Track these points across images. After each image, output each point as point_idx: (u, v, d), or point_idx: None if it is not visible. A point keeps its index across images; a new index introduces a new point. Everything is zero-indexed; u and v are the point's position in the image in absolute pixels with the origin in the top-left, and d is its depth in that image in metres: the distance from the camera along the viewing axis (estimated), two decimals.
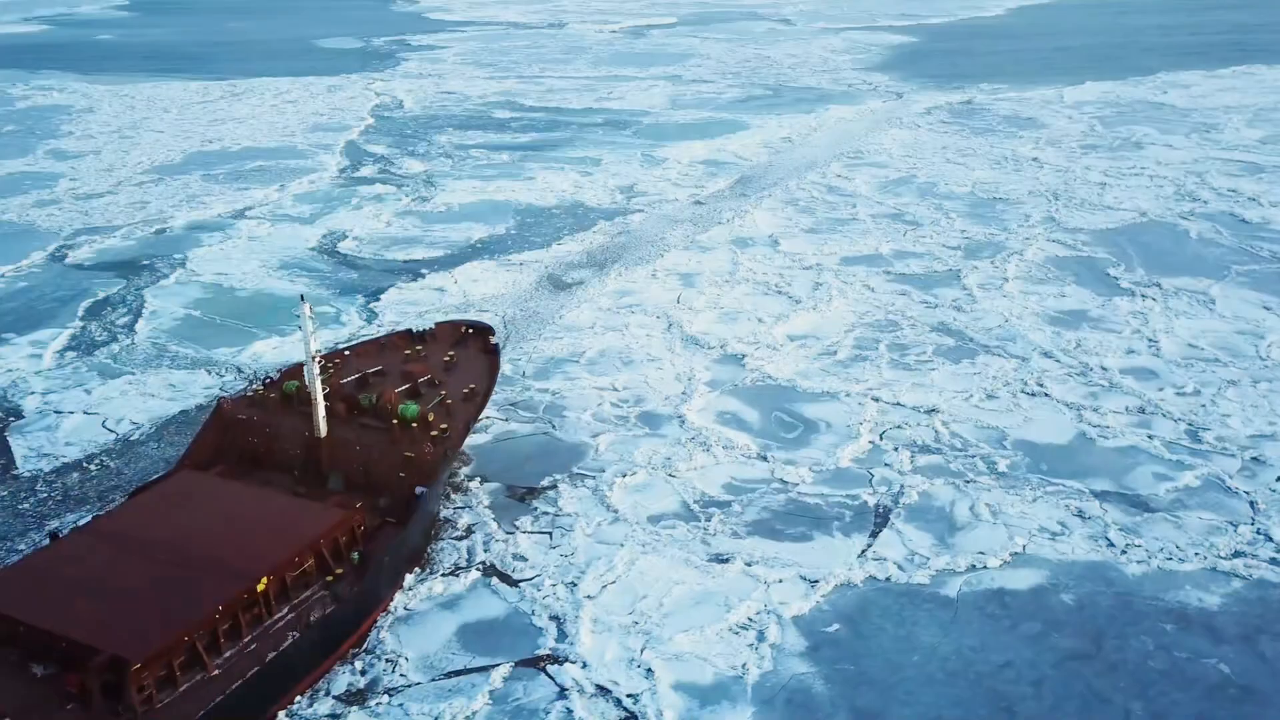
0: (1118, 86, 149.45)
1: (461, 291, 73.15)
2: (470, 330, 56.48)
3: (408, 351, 53.35)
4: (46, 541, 40.39)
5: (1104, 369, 58.83)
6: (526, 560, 41.96)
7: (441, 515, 45.64)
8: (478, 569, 41.63)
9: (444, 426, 45.44)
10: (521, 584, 40.50)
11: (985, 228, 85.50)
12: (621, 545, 42.89)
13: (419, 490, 41.91)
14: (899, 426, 52.94)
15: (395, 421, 44.94)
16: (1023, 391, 56.47)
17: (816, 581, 40.57)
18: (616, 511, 45.28)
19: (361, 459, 43.92)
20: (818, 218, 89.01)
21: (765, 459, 49.86)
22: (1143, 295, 70.02)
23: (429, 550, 43.50)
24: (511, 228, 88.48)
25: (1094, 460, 49.42)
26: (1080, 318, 66.44)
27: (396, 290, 73.96)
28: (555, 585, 40.16)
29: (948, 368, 59.56)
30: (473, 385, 49.84)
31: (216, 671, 33.19)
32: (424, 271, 78.05)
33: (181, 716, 31.54)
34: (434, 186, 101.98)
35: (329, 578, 37.53)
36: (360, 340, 59.89)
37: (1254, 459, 49.07)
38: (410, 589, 40.54)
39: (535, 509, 45.63)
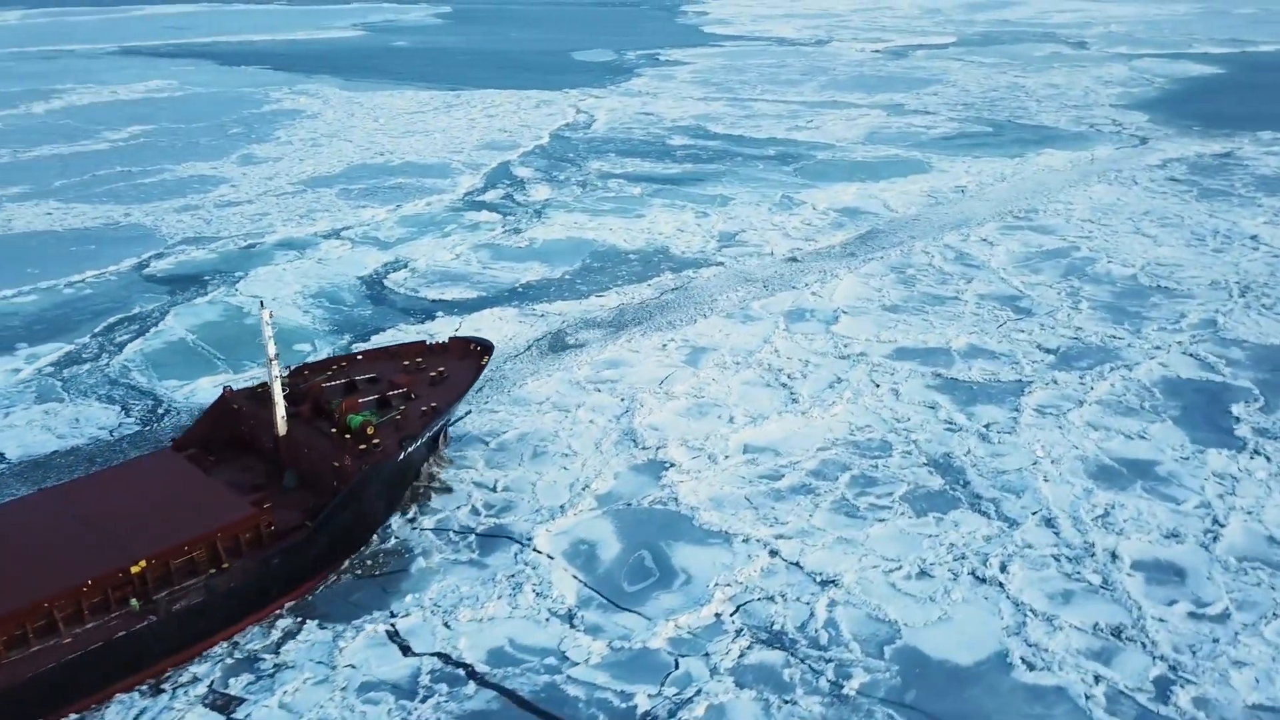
0: None
1: None
2: (477, 348, 56.31)
3: (406, 362, 54.61)
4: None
5: (1113, 557, 43.08)
6: None
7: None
8: None
9: (375, 441, 45.52)
10: None
11: (1112, 326, 67.89)
12: (300, 717, 35.37)
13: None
14: (770, 598, 41.15)
15: (335, 430, 46.25)
16: (971, 573, 42.35)
17: None
18: (333, 669, 37.54)
19: (309, 460, 45.59)
20: (913, 292, 74.94)
21: (571, 621, 40.10)
22: (1255, 451, 51.66)
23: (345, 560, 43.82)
24: (570, 272, 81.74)
25: (987, 702, 35.45)
26: (1141, 473, 49.83)
27: (394, 332, 69.74)
28: None
29: (901, 521, 46.19)
30: (434, 404, 49.69)
31: (69, 640, 34.98)
32: (439, 314, 73.33)
33: (14, 678, 33.50)
34: (537, 218, 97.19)
35: (212, 571, 38.67)
36: (378, 346, 61.41)
37: None
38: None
39: (263, 662, 38.29)
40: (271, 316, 46.26)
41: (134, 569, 36.88)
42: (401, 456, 46.40)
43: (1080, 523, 45.56)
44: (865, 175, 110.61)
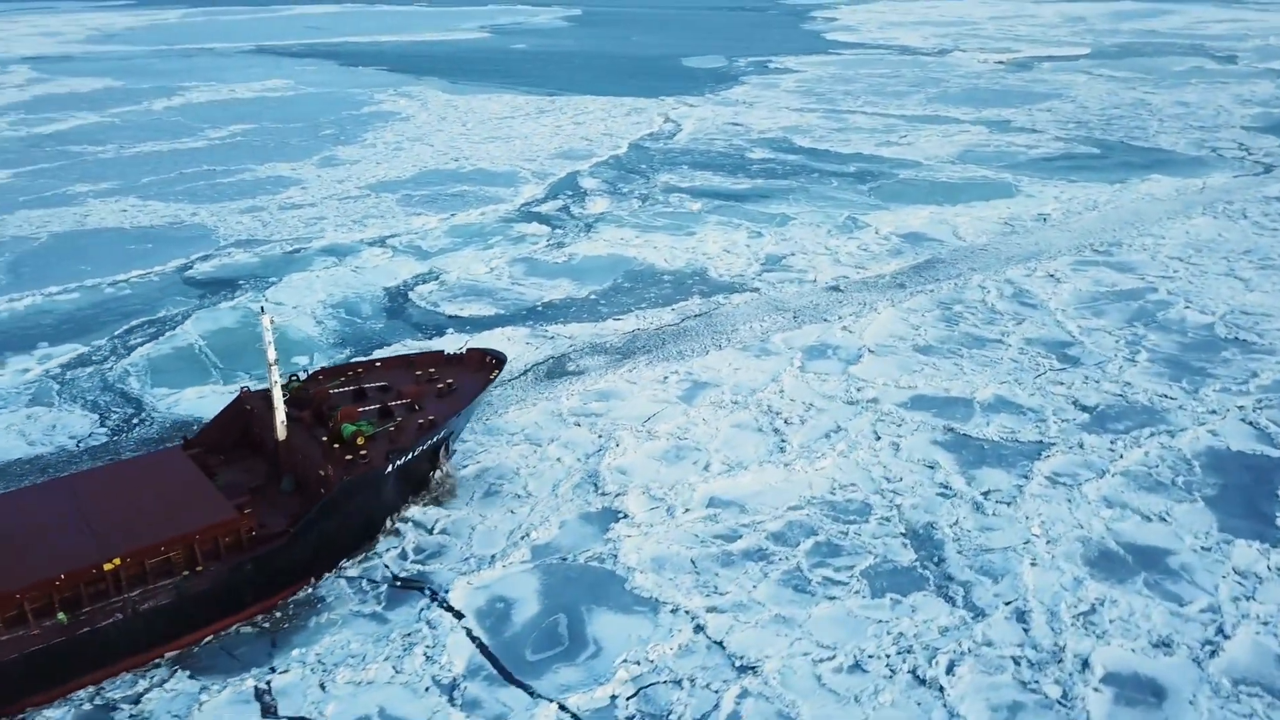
0: None
1: None
2: (491, 360, 55.28)
3: (419, 372, 54.14)
4: None
5: (1083, 665, 37.28)
6: None
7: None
8: None
9: (363, 453, 45.21)
10: None
11: (1167, 383, 60.52)
12: None
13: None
14: (677, 682, 37.08)
15: (326, 438, 46.21)
16: (912, 672, 37.26)
17: None
18: None
19: (302, 467, 45.57)
20: (953, 332, 68.88)
21: (451, 693, 36.70)
22: None
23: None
24: (597, 292, 78.59)
25: None
26: (1148, 563, 43.43)
27: (399, 347, 67.98)
28: None
29: (852, 601, 41.31)
30: (432, 418, 48.92)
31: (36, 632, 35.59)
32: (450, 330, 71.41)
33: None
34: (585, 232, 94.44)
35: (186, 573, 38.69)
36: (396, 354, 60.75)
37: None
38: None
39: (119, 711, 36.13)
40: (273, 322, 46.20)
41: (108, 566, 37.44)
42: (389, 469, 45.36)
43: (1057, 619, 39.79)
44: (943, 197, 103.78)
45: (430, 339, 69.99)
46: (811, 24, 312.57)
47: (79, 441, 55.64)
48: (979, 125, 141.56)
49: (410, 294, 79.15)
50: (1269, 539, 44.99)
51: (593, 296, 77.93)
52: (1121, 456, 52.16)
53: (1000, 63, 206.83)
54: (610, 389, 61.51)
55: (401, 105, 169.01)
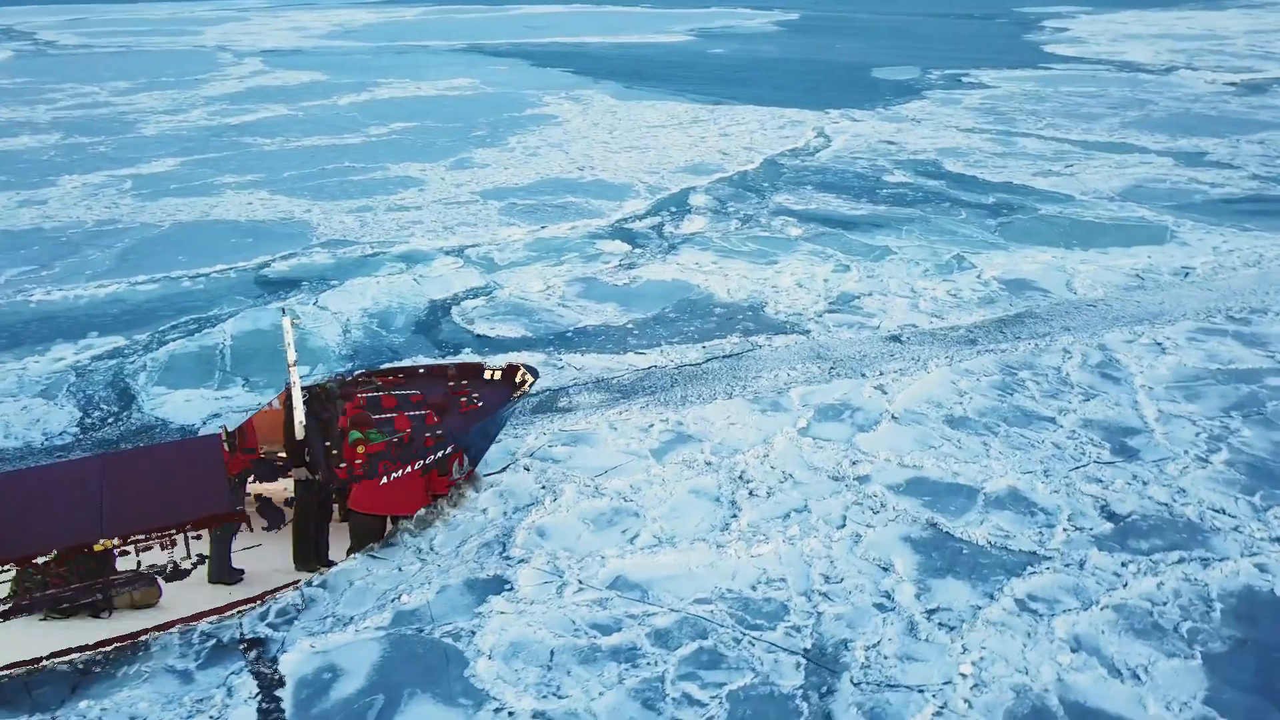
0: None
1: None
2: (524, 377, 52.97)
3: (451, 383, 53.01)
4: None
5: None
6: None
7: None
8: None
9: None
10: None
11: (1233, 496, 49.34)
12: None
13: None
14: None
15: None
16: None
17: None
18: None
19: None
20: (1002, 404, 59.56)
21: None
22: None
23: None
24: (636, 321, 73.73)
25: None
26: None
27: (408, 364, 66.11)
28: None
29: None
30: (440, 433, 47.60)
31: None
32: (468, 350, 68.78)
33: None
34: (663, 254, 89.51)
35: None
36: (443, 361, 60.10)
37: None
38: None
39: None
40: (294, 323, 45.72)
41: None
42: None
43: None
44: (1078, 240, 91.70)
45: (441, 359, 67.70)
46: (1036, 34, 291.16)
47: (48, 439, 56.88)
48: (1166, 156, 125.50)
49: (452, 309, 77.18)
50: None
51: (629, 325, 73.25)
52: (1126, 585, 42.60)
53: (1231, 84, 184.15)
54: (586, 432, 56.89)
55: (563, 109, 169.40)
